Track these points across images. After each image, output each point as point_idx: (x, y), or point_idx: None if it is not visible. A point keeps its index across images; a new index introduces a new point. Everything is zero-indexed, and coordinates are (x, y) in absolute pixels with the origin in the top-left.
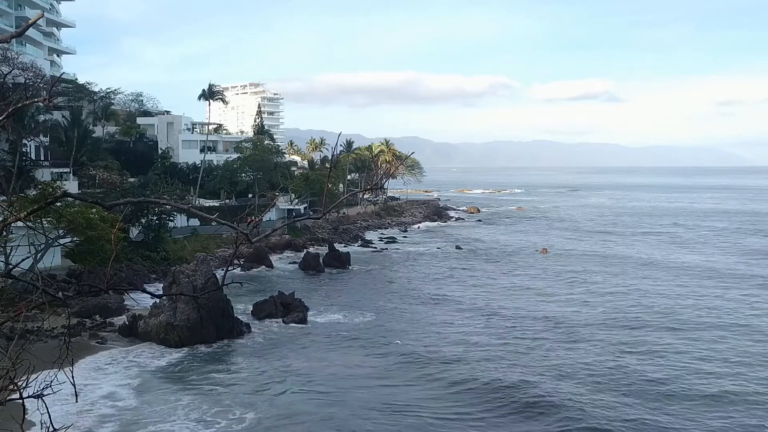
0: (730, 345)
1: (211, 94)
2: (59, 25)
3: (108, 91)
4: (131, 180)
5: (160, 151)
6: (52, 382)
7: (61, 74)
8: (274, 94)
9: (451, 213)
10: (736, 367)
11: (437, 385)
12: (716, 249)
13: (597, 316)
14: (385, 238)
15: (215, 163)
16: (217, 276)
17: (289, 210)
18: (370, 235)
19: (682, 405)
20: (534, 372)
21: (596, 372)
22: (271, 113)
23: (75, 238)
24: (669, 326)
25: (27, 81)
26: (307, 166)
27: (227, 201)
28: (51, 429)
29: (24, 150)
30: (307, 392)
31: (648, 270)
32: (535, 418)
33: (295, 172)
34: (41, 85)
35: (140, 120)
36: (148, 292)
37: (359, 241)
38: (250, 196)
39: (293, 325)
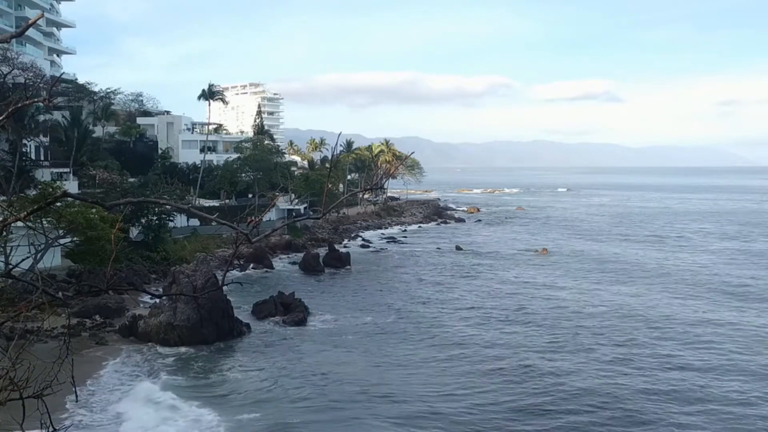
0: (732, 347)
1: (210, 94)
2: (59, 25)
3: (108, 91)
4: (131, 180)
5: (160, 151)
6: (52, 382)
7: (61, 74)
8: (274, 94)
9: (451, 213)
10: (741, 364)
11: (437, 385)
12: (719, 249)
13: (598, 315)
14: (385, 237)
15: (215, 163)
16: (217, 276)
17: (289, 210)
18: (369, 236)
19: (686, 405)
20: (536, 371)
21: (596, 369)
22: (271, 113)
23: (75, 238)
24: (669, 326)
25: (27, 81)
26: (307, 166)
27: (227, 201)
28: (51, 429)
29: (24, 150)
30: (307, 393)
31: (648, 270)
32: (537, 417)
33: (295, 172)
34: (41, 85)
35: (140, 120)
36: (148, 292)
37: (359, 242)
38: (250, 196)
39: (293, 325)
